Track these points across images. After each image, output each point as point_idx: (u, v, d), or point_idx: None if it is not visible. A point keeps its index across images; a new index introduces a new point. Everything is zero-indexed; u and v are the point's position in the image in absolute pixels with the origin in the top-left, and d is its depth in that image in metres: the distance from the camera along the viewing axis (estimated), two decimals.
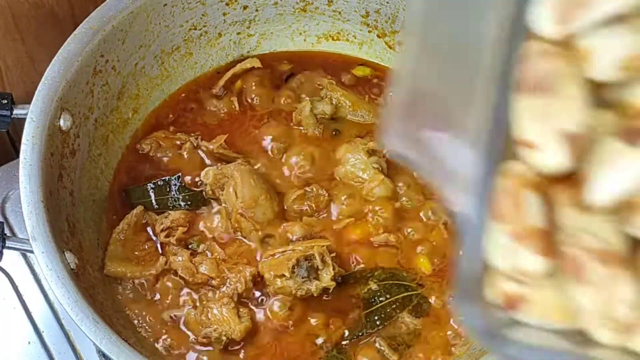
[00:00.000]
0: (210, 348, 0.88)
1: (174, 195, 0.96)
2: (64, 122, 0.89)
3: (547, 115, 0.43)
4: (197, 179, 0.96)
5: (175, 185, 0.96)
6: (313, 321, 0.89)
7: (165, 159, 0.99)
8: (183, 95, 1.05)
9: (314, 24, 1.07)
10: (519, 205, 0.44)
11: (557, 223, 0.44)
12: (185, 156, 0.99)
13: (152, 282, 0.91)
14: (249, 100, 1.03)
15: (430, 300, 0.91)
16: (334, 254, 0.91)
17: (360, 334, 0.88)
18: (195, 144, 0.99)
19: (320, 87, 1.03)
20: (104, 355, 0.88)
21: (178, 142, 1.00)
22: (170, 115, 1.03)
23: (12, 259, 1.03)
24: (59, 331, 0.99)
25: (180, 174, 0.97)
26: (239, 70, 1.04)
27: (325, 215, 0.94)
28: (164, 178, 0.97)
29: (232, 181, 0.92)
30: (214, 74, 1.06)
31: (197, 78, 1.06)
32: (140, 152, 1.00)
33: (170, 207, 0.95)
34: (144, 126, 1.02)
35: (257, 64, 1.04)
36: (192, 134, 1.00)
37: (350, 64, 1.08)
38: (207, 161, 0.98)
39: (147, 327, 0.89)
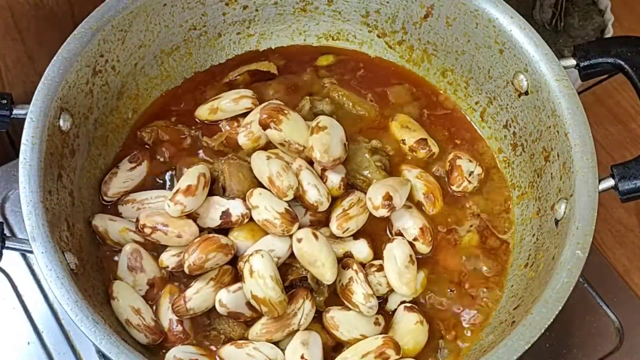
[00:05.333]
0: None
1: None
2: (63, 122, 0.89)
3: None
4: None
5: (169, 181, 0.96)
6: None
7: (164, 154, 0.99)
8: (188, 86, 1.05)
9: (314, 24, 1.07)
10: None
11: None
12: (185, 151, 0.99)
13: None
14: None
15: None
16: None
17: None
18: (196, 138, 0.99)
19: (324, 86, 1.04)
20: (103, 355, 0.88)
21: (178, 133, 0.99)
22: (170, 107, 1.03)
23: (11, 260, 1.03)
24: (58, 331, 0.99)
25: (174, 170, 0.97)
26: (253, 68, 1.04)
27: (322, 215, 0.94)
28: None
29: (221, 176, 0.92)
30: (214, 69, 1.06)
31: (195, 75, 1.06)
32: (139, 141, 1.00)
33: None
34: (143, 119, 1.02)
35: (273, 69, 1.04)
36: (194, 127, 1.00)
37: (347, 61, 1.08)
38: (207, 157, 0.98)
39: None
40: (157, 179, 0.97)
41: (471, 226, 0.96)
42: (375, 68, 1.07)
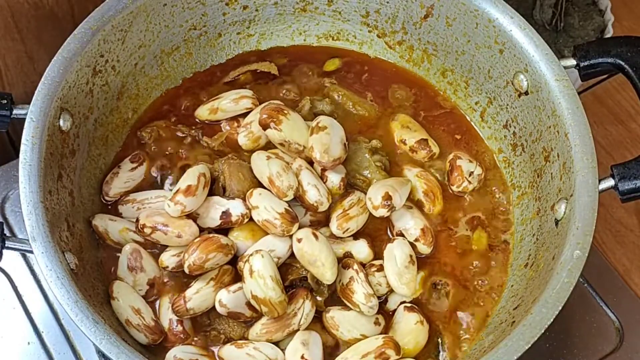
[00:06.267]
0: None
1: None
2: (63, 122, 0.89)
3: None
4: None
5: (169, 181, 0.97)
6: None
7: (164, 154, 0.99)
8: (188, 86, 1.05)
9: (314, 24, 1.07)
10: None
11: None
12: (185, 151, 0.99)
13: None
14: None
15: None
16: None
17: None
18: (196, 138, 0.99)
19: (324, 86, 1.04)
20: (103, 355, 0.88)
21: (178, 133, 0.99)
22: (170, 106, 1.03)
23: (11, 260, 1.03)
24: (58, 331, 0.99)
25: (174, 170, 0.97)
26: (254, 68, 1.04)
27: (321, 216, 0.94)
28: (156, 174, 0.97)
29: (221, 176, 0.92)
30: (214, 69, 1.06)
31: (195, 75, 1.06)
32: (139, 141, 1.00)
33: None
34: (143, 119, 1.02)
35: (274, 70, 1.04)
36: (194, 127, 1.00)
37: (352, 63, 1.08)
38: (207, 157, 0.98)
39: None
40: (157, 179, 0.97)
41: (472, 226, 0.96)
42: (375, 68, 1.07)
